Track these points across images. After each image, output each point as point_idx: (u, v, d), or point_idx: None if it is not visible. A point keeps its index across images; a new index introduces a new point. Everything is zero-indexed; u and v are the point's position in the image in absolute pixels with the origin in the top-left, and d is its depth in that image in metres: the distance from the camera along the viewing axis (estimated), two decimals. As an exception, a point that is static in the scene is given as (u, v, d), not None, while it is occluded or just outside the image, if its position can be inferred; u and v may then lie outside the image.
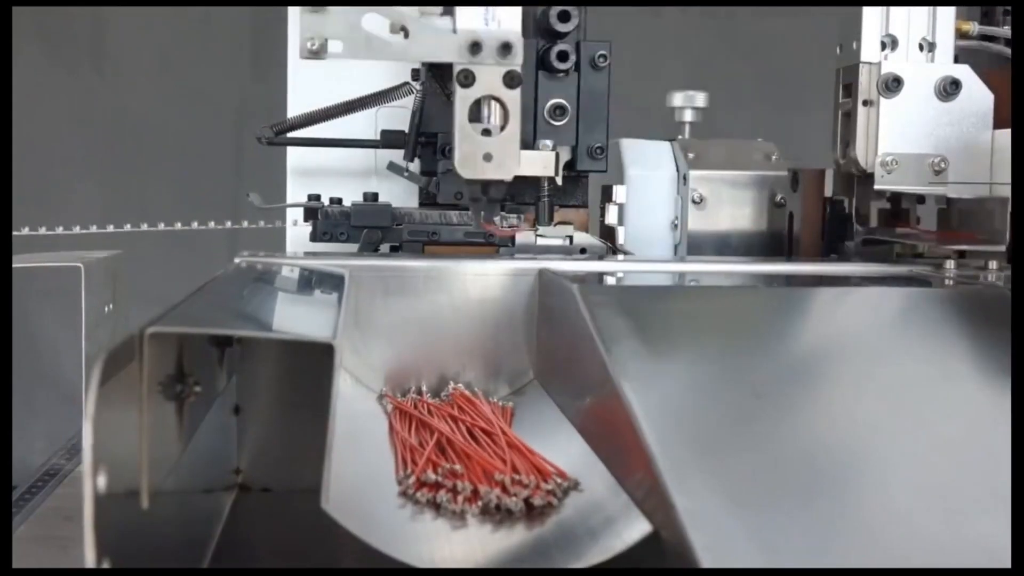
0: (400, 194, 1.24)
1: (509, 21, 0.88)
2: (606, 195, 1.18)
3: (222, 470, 0.83)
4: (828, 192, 1.18)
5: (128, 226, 1.14)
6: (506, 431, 0.82)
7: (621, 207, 1.18)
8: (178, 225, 1.17)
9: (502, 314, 0.98)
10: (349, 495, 0.66)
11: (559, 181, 1.06)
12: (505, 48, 0.87)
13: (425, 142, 1.15)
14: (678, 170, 1.21)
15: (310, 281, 0.95)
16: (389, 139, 1.18)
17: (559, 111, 1.06)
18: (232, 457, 0.84)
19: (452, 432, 0.82)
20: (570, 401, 0.85)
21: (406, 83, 1.16)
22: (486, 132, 0.90)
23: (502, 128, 0.91)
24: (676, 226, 1.21)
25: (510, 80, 0.89)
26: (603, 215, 1.18)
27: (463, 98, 0.89)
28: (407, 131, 1.16)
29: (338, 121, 1.18)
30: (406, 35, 0.85)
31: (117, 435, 0.53)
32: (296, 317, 0.83)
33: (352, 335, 0.96)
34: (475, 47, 0.86)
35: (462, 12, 0.87)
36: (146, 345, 0.56)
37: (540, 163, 1.02)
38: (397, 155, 1.18)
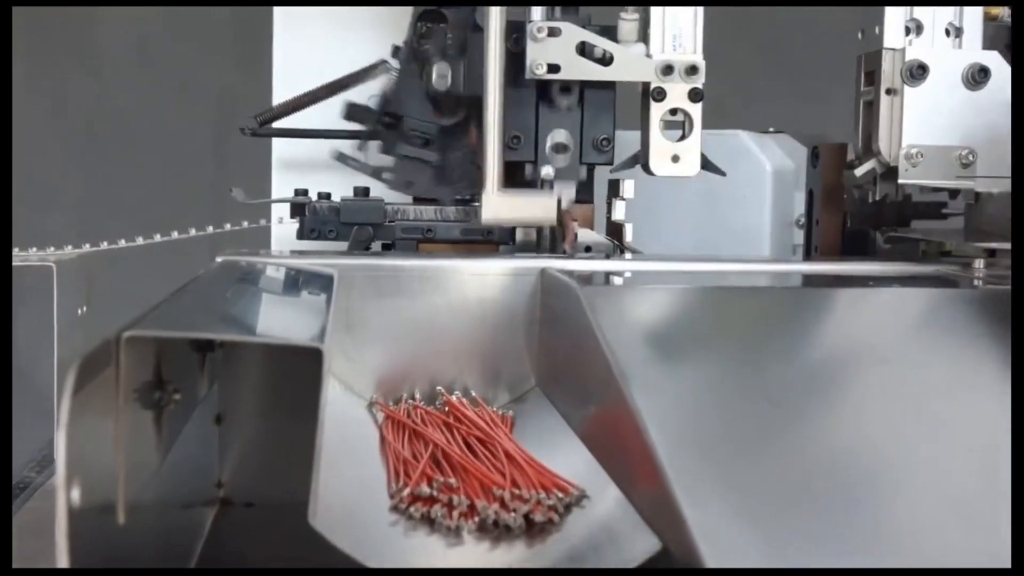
0: (393, 189, 1.22)
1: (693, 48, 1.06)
2: (613, 190, 1.16)
3: (203, 483, 0.82)
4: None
5: (105, 243, 1.15)
6: (505, 442, 0.80)
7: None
8: (157, 237, 1.17)
9: (502, 316, 0.96)
10: (338, 509, 0.66)
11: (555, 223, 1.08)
12: (692, 70, 1.05)
13: (389, 123, 1.13)
14: None
15: (297, 281, 0.94)
16: (353, 112, 1.16)
17: (561, 148, 1.07)
18: (214, 469, 0.84)
19: (448, 443, 0.81)
20: (574, 409, 0.84)
21: (383, 61, 1.14)
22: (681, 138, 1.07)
23: (683, 137, 1.07)
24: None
25: (694, 95, 1.06)
26: (610, 211, 1.16)
27: (656, 110, 1.07)
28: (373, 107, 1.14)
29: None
30: (610, 61, 1.04)
31: (92, 445, 0.52)
32: (282, 320, 0.82)
33: (342, 339, 0.94)
34: (668, 69, 1.05)
35: (655, 39, 1.05)
36: (123, 350, 0.55)
37: (540, 208, 1.05)
38: (348, 148, 1.16)
